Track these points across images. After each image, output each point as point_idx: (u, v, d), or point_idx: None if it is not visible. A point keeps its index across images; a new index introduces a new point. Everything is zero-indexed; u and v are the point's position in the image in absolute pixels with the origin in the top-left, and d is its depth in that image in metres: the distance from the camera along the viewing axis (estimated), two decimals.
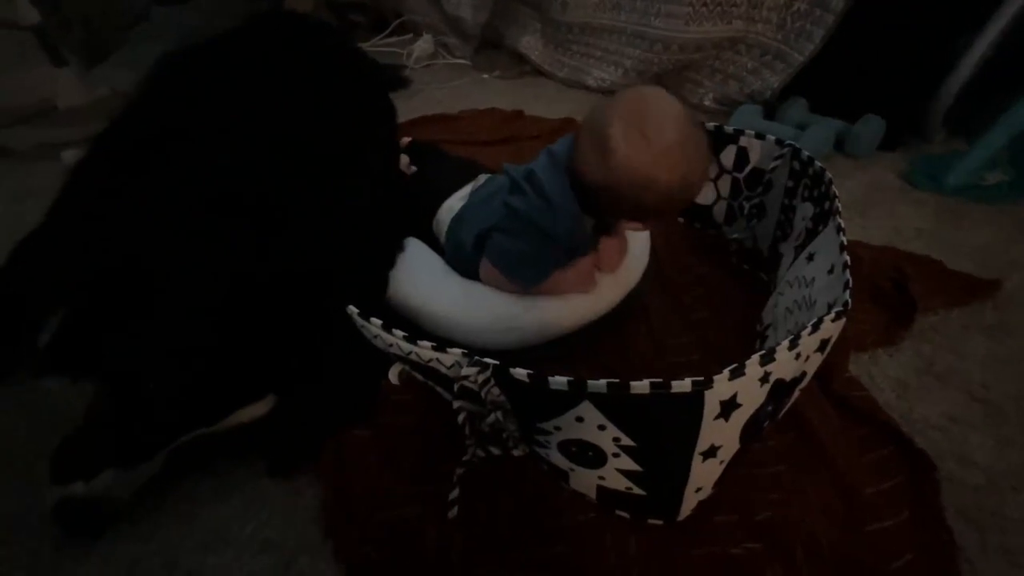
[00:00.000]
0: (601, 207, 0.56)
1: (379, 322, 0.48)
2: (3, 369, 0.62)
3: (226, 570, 0.48)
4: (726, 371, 0.38)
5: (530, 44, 1.60)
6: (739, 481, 0.51)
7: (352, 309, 0.50)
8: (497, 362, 0.42)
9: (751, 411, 0.42)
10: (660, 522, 0.49)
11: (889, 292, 0.73)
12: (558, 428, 0.43)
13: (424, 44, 1.72)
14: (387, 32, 1.82)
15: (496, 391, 0.44)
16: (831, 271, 0.53)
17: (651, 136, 0.49)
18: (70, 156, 1.06)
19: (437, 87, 1.53)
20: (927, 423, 0.58)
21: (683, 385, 0.38)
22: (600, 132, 0.51)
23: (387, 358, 0.56)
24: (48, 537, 0.49)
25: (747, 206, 0.77)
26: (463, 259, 0.66)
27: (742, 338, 0.68)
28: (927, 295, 0.72)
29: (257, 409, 0.53)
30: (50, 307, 0.61)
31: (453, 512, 0.50)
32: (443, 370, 0.46)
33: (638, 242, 0.73)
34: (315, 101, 0.73)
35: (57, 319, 0.59)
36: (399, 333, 0.47)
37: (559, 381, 0.39)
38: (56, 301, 0.61)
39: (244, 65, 0.74)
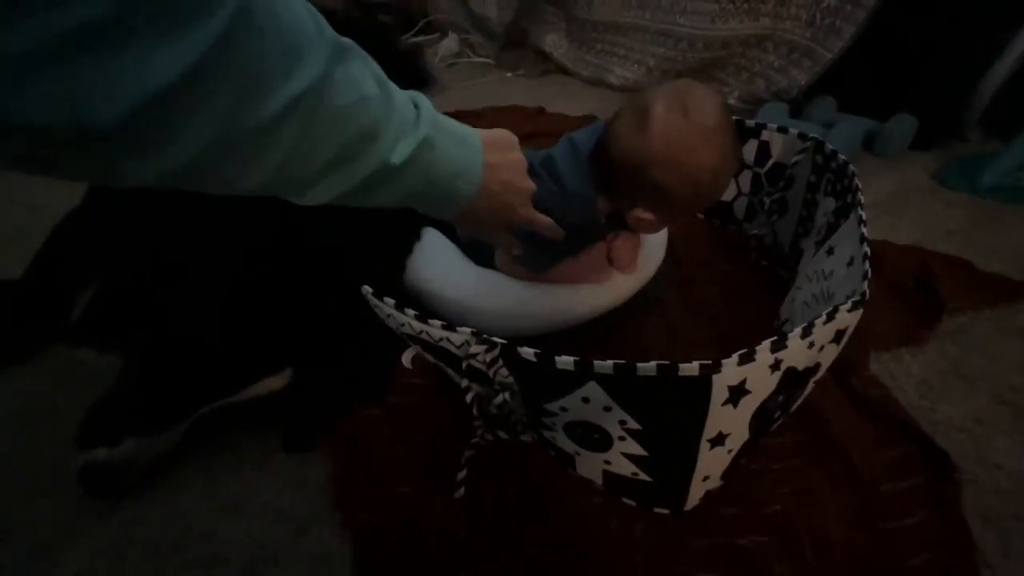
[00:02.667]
0: (623, 189, 0.56)
1: (392, 301, 0.49)
2: (39, 340, 0.66)
3: (239, 536, 0.49)
4: (735, 356, 0.38)
5: (554, 42, 1.61)
6: (749, 474, 0.51)
7: (366, 289, 0.52)
8: (505, 341, 0.42)
9: (761, 399, 0.41)
10: (666, 511, 0.49)
11: (914, 291, 0.71)
12: (564, 409, 0.44)
13: (450, 43, 1.75)
14: (414, 31, 1.85)
15: (504, 371, 0.44)
16: (850, 263, 0.51)
17: (692, 116, 0.50)
18: None
19: (461, 85, 1.55)
20: (950, 424, 0.56)
21: (691, 368, 0.37)
22: (641, 109, 0.52)
23: (401, 341, 0.57)
24: (73, 499, 0.51)
25: (768, 201, 0.76)
26: (480, 246, 0.66)
27: (759, 335, 0.66)
28: (955, 295, 0.70)
29: (274, 382, 0.54)
30: (83, 283, 0.64)
31: (460, 492, 0.50)
32: (453, 350, 0.47)
33: (655, 235, 0.72)
34: None
35: (89, 295, 0.63)
36: (410, 312, 0.48)
37: (566, 360, 0.39)
38: (89, 278, 0.64)
39: None
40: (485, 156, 0.41)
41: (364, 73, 0.31)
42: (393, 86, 0.34)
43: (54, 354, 0.65)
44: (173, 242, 0.56)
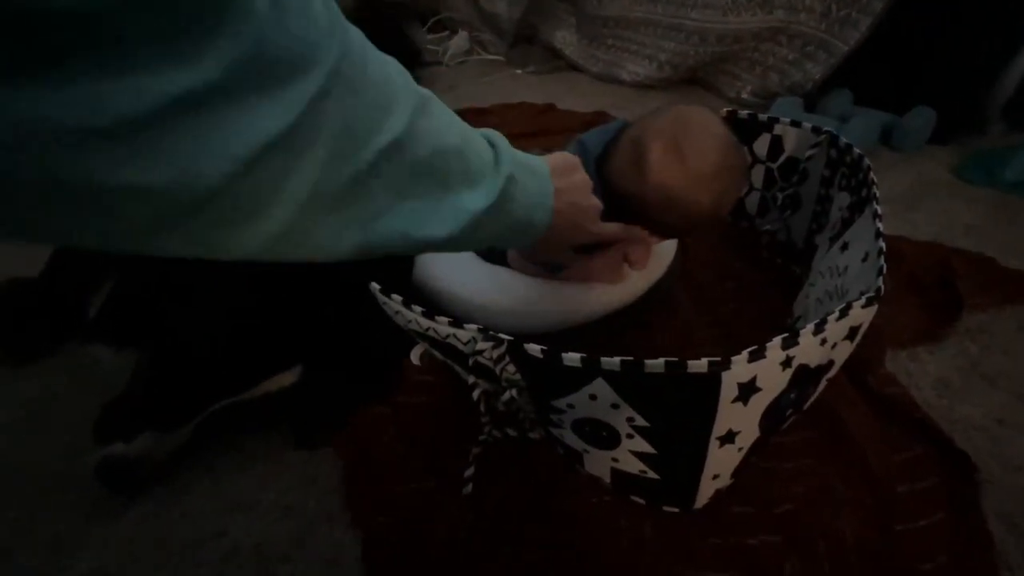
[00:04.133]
0: (626, 215, 0.56)
1: (399, 298, 0.49)
2: (56, 338, 0.67)
3: (249, 534, 0.50)
4: (745, 352, 0.37)
5: (564, 39, 1.60)
6: (761, 473, 0.50)
7: (374, 286, 0.52)
8: (512, 338, 0.42)
9: (772, 396, 0.41)
10: (676, 510, 0.48)
11: (933, 288, 0.70)
12: (571, 406, 0.43)
13: (459, 41, 1.75)
14: (424, 29, 1.85)
15: (511, 368, 0.44)
16: (865, 259, 0.50)
17: (690, 160, 0.50)
18: None
19: (471, 83, 1.55)
20: (970, 424, 0.55)
21: (699, 365, 0.37)
22: (640, 146, 0.51)
23: (409, 338, 0.57)
24: (88, 496, 0.52)
25: (781, 197, 0.74)
26: None
27: (771, 332, 0.65)
28: (976, 293, 0.68)
29: (285, 379, 0.55)
30: (99, 282, 0.65)
31: (467, 489, 0.50)
32: (460, 346, 0.47)
33: None
34: None
35: (104, 293, 0.64)
36: (418, 309, 0.48)
37: (572, 357, 0.39)
38: (104, 277, 0.65)
39: None
40: (554, 182, 0.41)
41: (445, 121, 0.31)
42: (471, 130, 0.34)
43: (70, 352, 0.66)
44: None
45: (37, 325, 0.69)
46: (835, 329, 0.40)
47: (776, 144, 0.73)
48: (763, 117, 0.73)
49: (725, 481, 0.48)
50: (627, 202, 0.53)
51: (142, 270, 0.61)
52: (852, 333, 0.43)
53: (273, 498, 0.53)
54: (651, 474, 0.46)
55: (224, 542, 0.50)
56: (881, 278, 0.44)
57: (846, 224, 0.59)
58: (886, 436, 0.53)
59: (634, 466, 0.46)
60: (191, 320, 0.54)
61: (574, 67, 1.59)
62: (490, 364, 0.44)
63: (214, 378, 0.53)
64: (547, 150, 0.58)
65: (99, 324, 0.62)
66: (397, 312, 0.51)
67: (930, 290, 0.70)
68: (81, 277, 0.67)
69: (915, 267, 0.72)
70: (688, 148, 0.50)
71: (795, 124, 0.70)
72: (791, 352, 0.38)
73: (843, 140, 0.64)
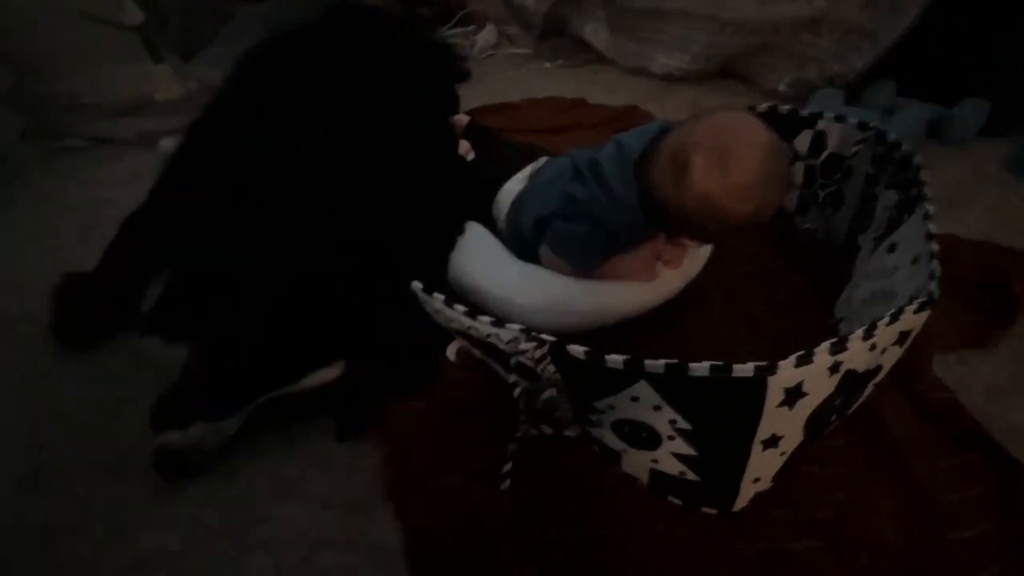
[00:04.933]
0: (665, 221, 0.55)
1: (441, 297, 0.50)
2: (112, 329, 0.70)
3: (293, 520, 0.52)
4: (792, 357, 0.37)
5: (594, 31, 1.58)
6: (802, 477, 0.49)
7: (416, 284, 0.53)
8: (555, 338, 0.42)
9: (818, 402, 0.40)
10: (714, 511, 0.48)
11: (985, 289, 0.67)
12: (612, 407, 0.44)
13: (487, 35, 1.74)
14: (452, 24, 1.85)
15: (552, 368, 0.45)
16: (915, 261, 0.49)
17: (732, 171, 0.49)
18: (167, 144, 1.16)
19: (500, 77, 1.54)
20: (1023, 431, 0.53)
21: (745, 369, 0.37)
22: (681, 155, 0.50)
23: (446, 335, 0.58)
24: (147, 479, 0.55)
25: (822, 194, 0.72)
26: (522, 242, 0.67)
27: (811, 334, 0.64)
28: None
29: (328, 374, 0.57)
30: (152, 276, 0.68)
31: (505, 484, 0.51)
32: (501, 346, 0.47)
33: None
34: (381, 90, 0.79)
35: (159, 287, 0.66)
36: (460, 308, 0.49)
37: (616, 359, 0.39)
38: (156, 272, 0.68)
39: (315, 58, 0.80)
40: None
41: None
42: None
43: (126, 343, 0.69)
44: (233, 242, 0.59)
45: (91, 317, 0.72)
46: (885, 334, 0.40)
47: (818, 140, 0.71)
48: (805, 112, 0.71)
49: (766, 484, 0.47)
50: (666, 210, 0.52)
51: (194, 268, 0.63)
52: (902, 338, 0.42)
53: (317, 487, 0.55)
54: (691, 476, 0.46)
55: (271, 528, 0.52)
56: (935, 282, 0.43)
57: (893, 224, 0.57)
58: (932, 442, 0.52)
59: (674, 467, 0.46)
60: (241, 317, 0.56)
61: (604, 60, 1.56)
62: (531, 364, 0.45)
63: (262, 372, 0.55)
64: (578, 145, 0.58)
65: (153, 318, 0.65)
66: (438, 311, 0.52)
67: (980, 291, 0.67)
68: (133, 273, 0.70)
69: (965, 267, 0.70)
70: (731, 159, 0.48)
71: (839, 119, 0.68)
72: (839, 357, 0.38)
73: (891, 136, 0.62)
